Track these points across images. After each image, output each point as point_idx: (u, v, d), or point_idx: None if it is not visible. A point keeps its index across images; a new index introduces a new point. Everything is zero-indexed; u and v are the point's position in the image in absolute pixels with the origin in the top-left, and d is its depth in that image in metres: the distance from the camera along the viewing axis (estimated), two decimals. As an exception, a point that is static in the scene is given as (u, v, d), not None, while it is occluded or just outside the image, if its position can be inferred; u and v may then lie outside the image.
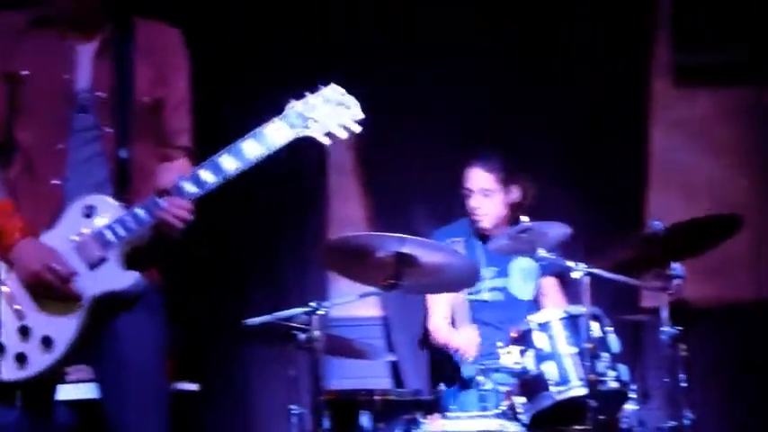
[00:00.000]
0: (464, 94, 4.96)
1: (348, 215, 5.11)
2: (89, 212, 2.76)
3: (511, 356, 3.72)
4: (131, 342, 2.78)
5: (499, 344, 3.79)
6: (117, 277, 2.75)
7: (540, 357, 3.68)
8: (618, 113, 5.03)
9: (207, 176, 2.73)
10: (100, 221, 2.74)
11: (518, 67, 4.97)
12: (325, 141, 2.77)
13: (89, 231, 2.74)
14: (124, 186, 2.82)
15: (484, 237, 4.41)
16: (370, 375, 4.76)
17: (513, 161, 4.42)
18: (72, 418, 3.80)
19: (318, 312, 3.62)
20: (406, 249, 3.53)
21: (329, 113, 2.75)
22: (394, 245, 3.54)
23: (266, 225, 4.98)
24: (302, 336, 3.73)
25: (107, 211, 2.75)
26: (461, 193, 4.45)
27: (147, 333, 2.82)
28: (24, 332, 2.74)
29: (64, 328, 2.73)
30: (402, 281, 3.56)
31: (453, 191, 4.54)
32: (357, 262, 3.62)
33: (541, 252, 3.79)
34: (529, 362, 3.69)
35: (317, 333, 3.59)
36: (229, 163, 2.71)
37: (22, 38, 2.88)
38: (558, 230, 3.83)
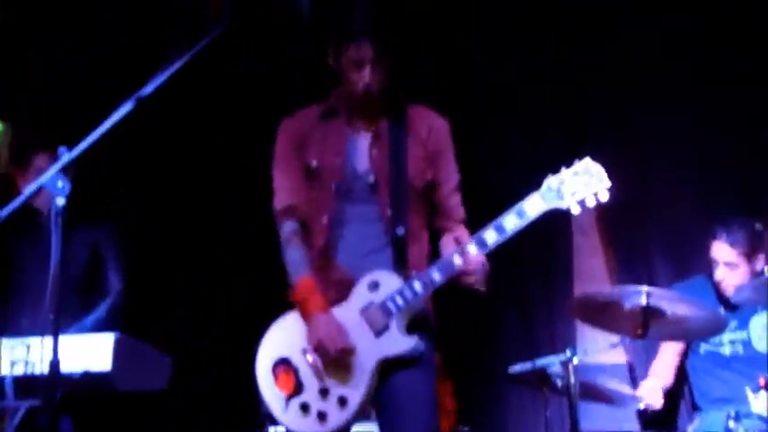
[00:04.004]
0: (708, 155, 5.01)
1: (591, 270, 5.40)
2: (375, 286, 3.18)
3: (761, 403, 3.83)
4: (408, 394, 3.15)
5: (748, 390, 3.93)
6: (398, 342, 3.15)
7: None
8: None
9: (490, 236, 3.09)
10: (383, 294, 3.16)
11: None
12: (576, 211, 3.09)
13: (375, 303, 3.16)
14: (402, 260, 3.22)
15: (724, 295, 4.48)
16: (618, 420, 4.89)
17: (756, 233, 4.38)
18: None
19: (573, 360, 3.97)
20: (652, 301, 3.79)
21: (581, 185, 3.06)
22: (641, 297, 3.79)
23: (519, 282, 5.35)
24: (558, 381, 4.10)
25: (390, 284, 3.16)
26: (708, 260, 4.50)
27: (420, 385, 3.18)
28: (324, 393, 3.17)
29: (355, 389, 3.15)
30: (649, 330, 3.81)
31: (692, 246, 4.73)
32: (606, 313, 3.91)
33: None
34: (780, 409, 3.76)
35: (572, 379, 3.94)
36: (491, 236, 3.08)
37: (314, 131, 3.31)
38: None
